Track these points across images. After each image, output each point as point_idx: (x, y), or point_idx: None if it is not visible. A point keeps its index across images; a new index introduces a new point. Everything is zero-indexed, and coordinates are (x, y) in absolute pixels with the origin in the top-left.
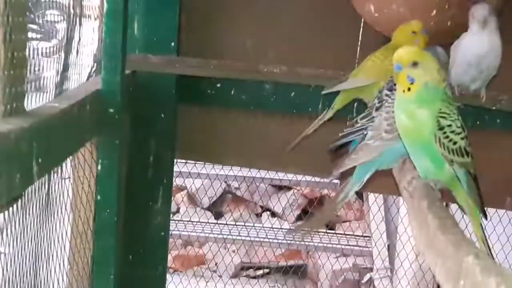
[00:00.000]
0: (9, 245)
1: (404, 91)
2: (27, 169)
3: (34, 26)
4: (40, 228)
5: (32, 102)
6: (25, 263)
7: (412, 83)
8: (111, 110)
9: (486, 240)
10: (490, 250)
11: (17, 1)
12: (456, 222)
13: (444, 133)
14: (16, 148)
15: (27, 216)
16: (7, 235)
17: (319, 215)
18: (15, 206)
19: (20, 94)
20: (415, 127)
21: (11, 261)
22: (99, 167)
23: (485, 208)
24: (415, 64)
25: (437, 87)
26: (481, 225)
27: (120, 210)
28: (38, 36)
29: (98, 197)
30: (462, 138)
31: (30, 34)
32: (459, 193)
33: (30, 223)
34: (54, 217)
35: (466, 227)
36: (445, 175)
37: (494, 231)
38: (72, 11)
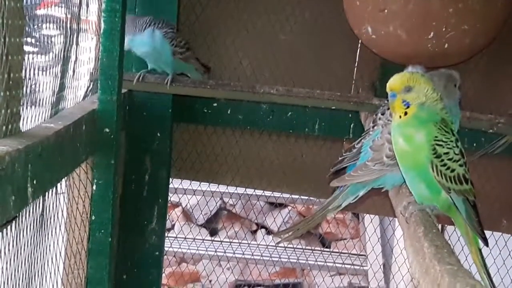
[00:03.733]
0: (3, 267)
1: (400, 116)
2: (22, 191)
3: (31, 40)
4: (34, 248)
5: (28, 117)
6: (19, 284)
7: (407, 107)
8: (107, 130)
9: (486, 267)
10: (490, 276)
11: (14, 23)
12: (453, 251)
13: (442, 160)
14: (11, 170)
15: (21, 237)
16: (0, 256)
17: (307, 220)
18: (9, 227)
19: (15, 115)
20: (411, 151)
21: (4, 283)
22: (94, 187)
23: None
24: (408, 88)
25: (433, 107)
26: (480, 251)
27: (114, 230)
28: (35, 50)
29: (93, 217)
30: (460, 165)
31: (26, 48)
32: (457, 219)
33: (24, 244)
34: (48, 237)
35: (462, 249)
36: (441, 201)
37: (490, 253)
38: (69, 27)
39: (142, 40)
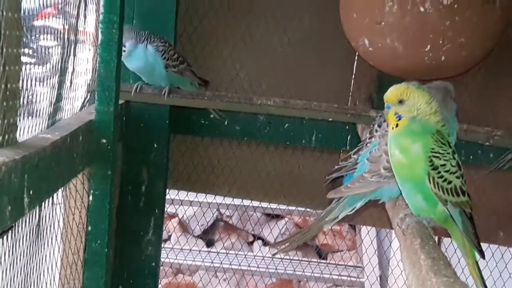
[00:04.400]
0: None
1: (393, 128)
2: (18, 201)
3: (28, 51)
4: (30, 259)
5: (25, 128)
6: None
7: (399, 119)
8: (104, 141)
9: (483, 279)
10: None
11: (12, 33)
12: (449, 263)
13: (439, 172)
14: (7, 180)
15: (18, 247)
16: None
17: (304, 231)
18: (5, 237)
19: (12, 125)
20: (407, 162)
21: None
22: (91, 198)
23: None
24: (401, 101)
25: (426, 120)
26: (476, 263)
27: (110, 240)
28: (32, 60)
29: (89, 228)
30: (457, 177)
31: (23, 59)
32: (453, 231)
33: (20, 254)
34: (44, 247)
35: (459, 262)
36: (438, 213)
37: (486, 266)
38: (66, 38)
39: (135, 55)
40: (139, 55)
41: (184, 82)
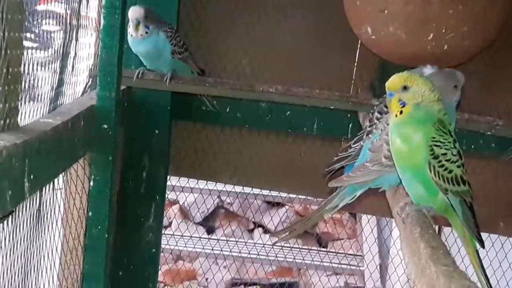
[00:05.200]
0: None
1: (396, 115)
2: (19, 185)
3: (30, 35)
4: (31, 243)
5: (26, 112)
6: (15, 279)
7: (403, 106)
8: (105, 126)
9: (483, 268)
10: (487, 277)
11: (14, 17)
12: (449, 252)
13: (439, 161)
14: (8, 165)
15: (18, 231)
16: None
17: (305, 220)
18: (5, 222)
19: (13, 109)
20: (408, 151)
21: (0, 277)
22: (92, 183)
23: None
24: (405, 88)
25: (430, 107)
26: (477, 252)
27: (111, 226)
28: (34, 45)
29: (90, 213)
30: (458, 166)
31: (25, 43)
32: (454, 220)
33: (21, 239)
34: (44, 232)
35: (459, 251)
36: (438, 202)
37: (486, 255)
38: (69, 22)
39: (148, 39)
40: (151, 40)
41: (186, 70)
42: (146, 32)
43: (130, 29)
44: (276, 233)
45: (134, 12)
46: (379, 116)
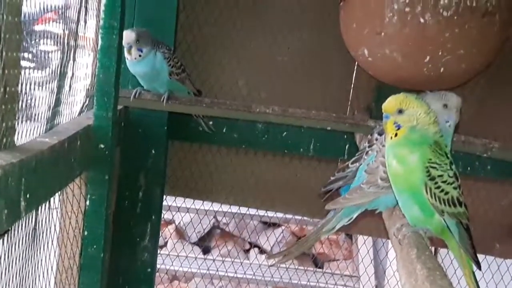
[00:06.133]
0: None
1: (391, 137)
2: (14, 204)
3: (28, 55)
4: (26, 262)
5: (23, 131)
6: None
7: (398, 129)
8: (102, 146)
9: None
10: None
11: (12, 37)
12: (445, 273)
13: (436, 183)
14: (4, 184)
15: (13, 250)
16: None
17: (301, 242)
18: (0, 241)
19: (10, 128)
20: (404, 172)
21: None
22: (88, 202)
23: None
24: (400, 111)
25: (425, 130)
26: (473, 274)
27: (107, 246)
28: (32, 65)
29: (85, 233)
30: (454, 188)
31: (23, 63)
32: (450, 242)
33: (16, 258)
34: (40, 251)
35: (455, 272)
36: (435, 224)
37: (482, 277)
38: (66, 43)
39: (145, 61)
40: (148, 61)
41: (183, 90)
42: (140, 55)
43: (125, 52)
44: (273, 255)
45: (125, 37)
46: (378, 137)
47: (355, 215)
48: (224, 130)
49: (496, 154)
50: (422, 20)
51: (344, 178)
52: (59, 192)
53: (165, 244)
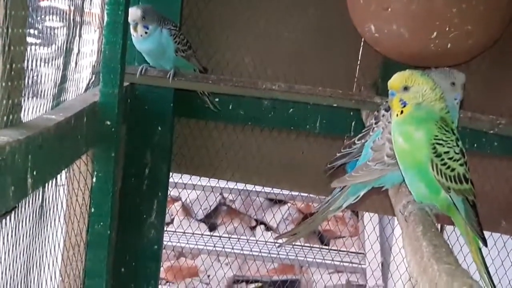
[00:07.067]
0: (1, 257)
1: (397, 114)
2: (21, 181)
3: (34, 31)
4: (33, 239)
5: (29, 108)
6: (17, 275)
7: (404, 106)
8: (108, 123)
9: (486, 266)
10: (490, 276)
11: (17, 13)
12: (451, 250)
13: (442, 159)
14: (11, 161)
15: (20, 227)
16: None
17: (309, 222)
18: (8, 218)
19: (16, 105)
20: (410, 149)
21: (2, 272)
22: (94, 179)
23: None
24: (406, 88)
25: (431, 106)
26: (480, 250)
27: (113, 223)
28: (37, 41)
29: (92, 210)
30: (461, 165)
31: (29, 39)
32: (456, 218)
33: (23, 235)
34: (47, 228)
35: (461, 249)
36: (441, 201)
37: (488, 254)
38: (72, 19)
39: (151, 38)
40: (154, 38)
41: (189, 67)
42: (146, 32)
43: (131, 29)
44: (280, 235)
45: (131, 14)
46: (385, 113)
47: (361, 193)
48: (230, 107)
49: (503, 131)
50: None
51: (349, 154)
52: (66, 169)
53: (172, 221)
